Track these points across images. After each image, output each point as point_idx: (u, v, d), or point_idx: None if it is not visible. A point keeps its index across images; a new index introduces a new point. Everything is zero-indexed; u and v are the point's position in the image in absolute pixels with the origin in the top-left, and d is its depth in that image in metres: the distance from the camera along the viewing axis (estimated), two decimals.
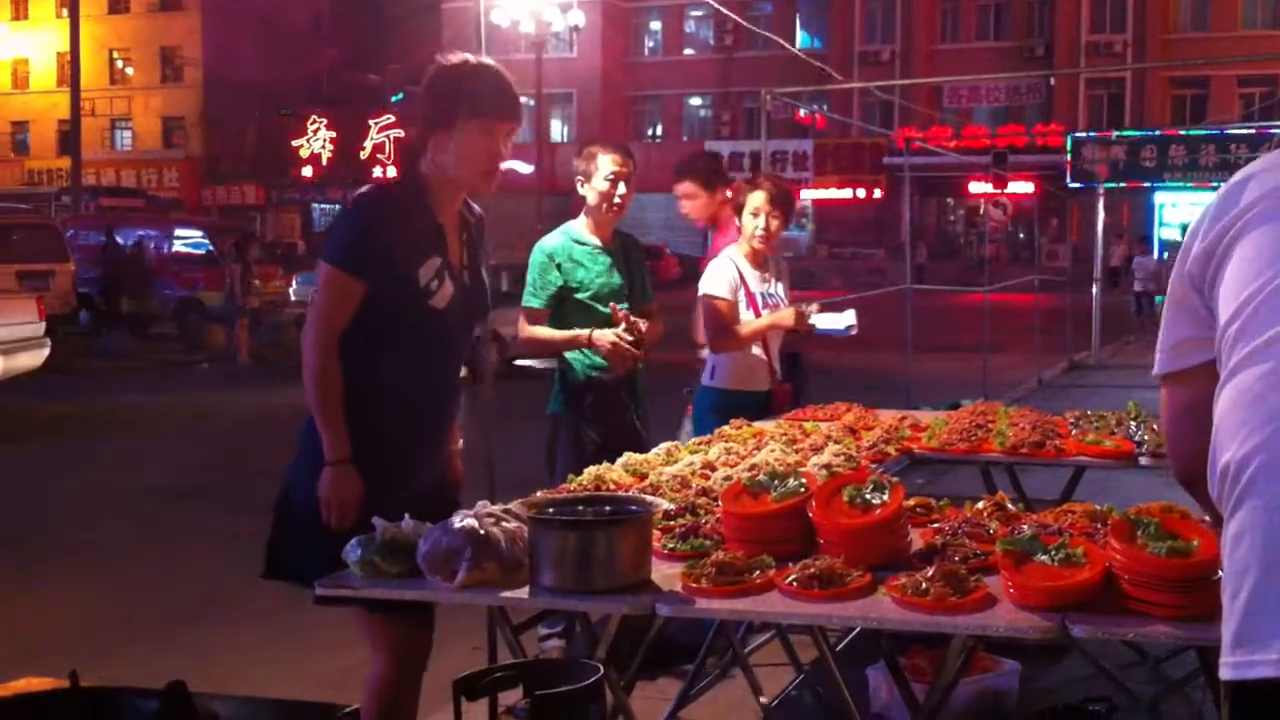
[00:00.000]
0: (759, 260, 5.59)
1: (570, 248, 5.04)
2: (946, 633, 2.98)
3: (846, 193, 46.01)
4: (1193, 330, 2.03)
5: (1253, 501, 1.80)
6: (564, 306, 5.03)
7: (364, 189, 3.49)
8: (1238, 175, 2.02)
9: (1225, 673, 1.80)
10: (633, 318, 4.89)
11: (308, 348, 3.29)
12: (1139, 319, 24.68)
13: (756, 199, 5.49)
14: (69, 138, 32.37)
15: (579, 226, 5.11)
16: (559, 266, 5.00)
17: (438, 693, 3.47)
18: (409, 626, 3.32)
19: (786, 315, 5.50)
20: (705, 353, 5.67)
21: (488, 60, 3.47)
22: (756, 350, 5.55)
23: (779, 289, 5.64)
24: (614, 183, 4.99)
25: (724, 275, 5.51)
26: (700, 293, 5.55)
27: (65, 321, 19.71)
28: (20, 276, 19.21)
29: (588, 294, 5.02)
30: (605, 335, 4.89)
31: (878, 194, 45.13)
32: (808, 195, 46.39)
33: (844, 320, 5.79)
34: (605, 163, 4.98)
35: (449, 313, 3.39)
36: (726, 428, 4.84)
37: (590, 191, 5.02)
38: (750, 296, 5.51)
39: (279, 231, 47.07)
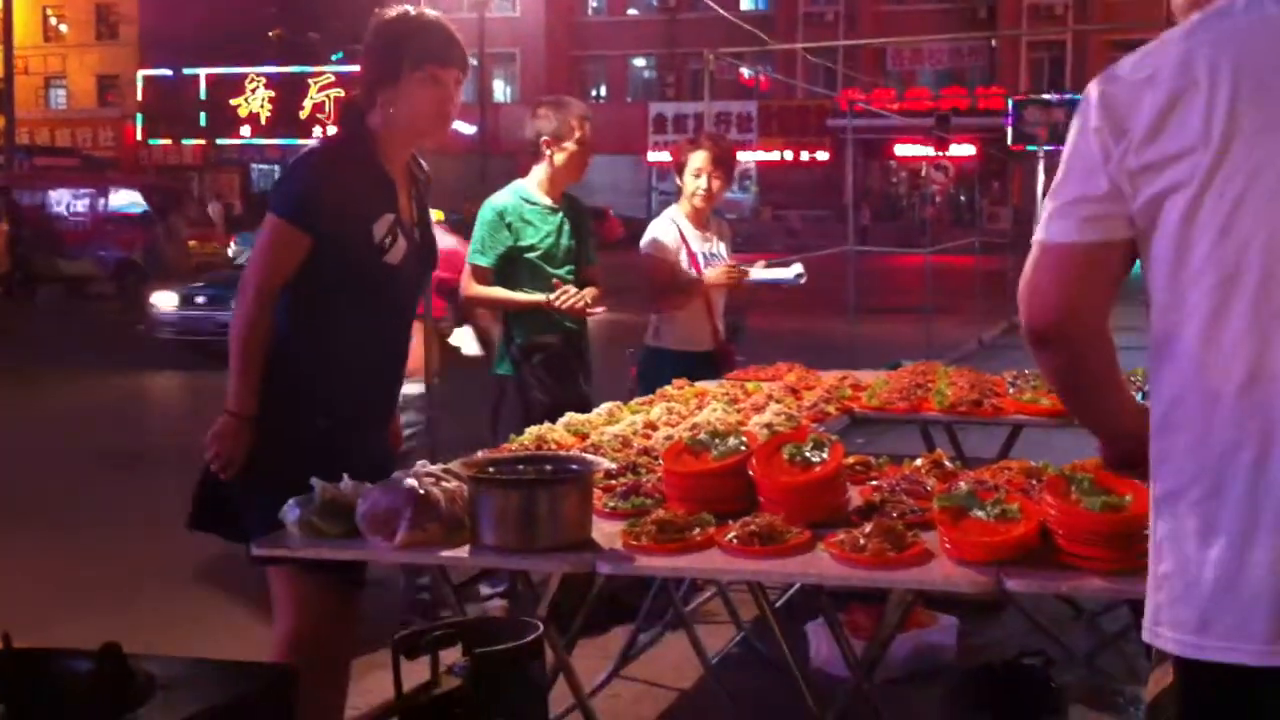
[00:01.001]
0: (700, 220, 5.59)
1: (521, 207, 5.02)
2: (884, 588, 3.01)
3: (791, 155, 46.08)
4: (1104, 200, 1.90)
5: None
6: (512, 266, 5.01)
7: (312, 144, 3.45)
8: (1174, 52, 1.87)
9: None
10: (572, 288, 4.90)
11: (243, 296, 3.25)
12: None
13: (698, 159, 5.49)
14: (2, 96, 31.72)
15: (530, 185, 5.09)
16: (509, 225, 4.97)
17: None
18: (335, 591, 3.30)
19: (720, 272, 5.50)
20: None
21: (430, 11, 3.45)
22: (699, 310, 5.56)
23: (721, 248, 5.65)
24: (582, 146, 5.04)
25: (665, 234, 5.51)
26: (641, 252, 5.55)
27: (0, 281, 19.39)
28: None
29: (537, 254, 5.00)
30: (545, 297, 4.95)
31: (822, 156, 45.22)
32: (752, 157, 46.44)
33: (792, 270, 5.81)
34: (582, 127, 5.04)
35: (402, 269, 3.38)
36: (669, 388, 4.86)
37: (560, 153, 5.01)
38: (692, 255, 5.52)
39: (218, 191, 46.42)
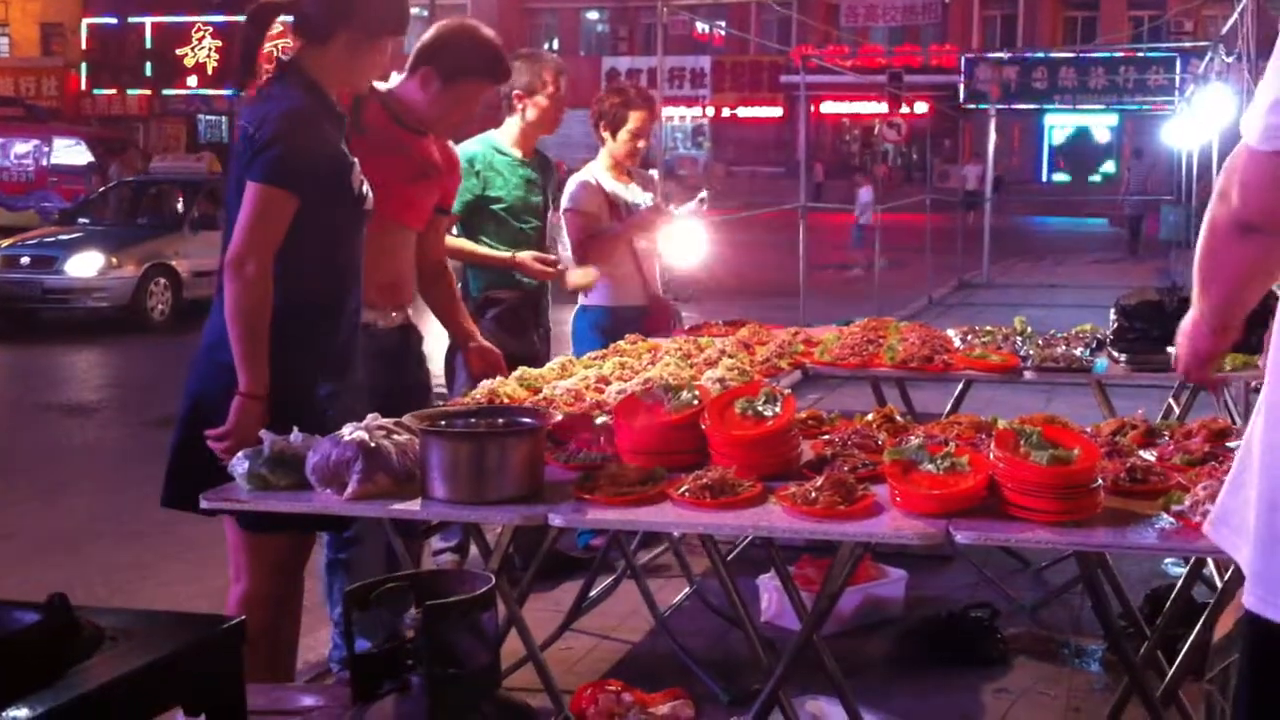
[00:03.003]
0: (621, 172, 5.54)
1: (491, 156, 4.97)
2: (834, 540, 3.03)
3: (745, 111, 45.98)
4: None
5: None
6: (476, 216, 4.96)
7: (271, 103, 3.26)
8: None
9: None
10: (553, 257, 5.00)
11: (240, 272, 3.11)
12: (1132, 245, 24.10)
13: (638, 119, 5.41)
14: None
15: (500, 136, 5.05)
16: (477, 174, 4.92)
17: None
18: (284, 546, 3.28)
19: (643, 218, 5.45)
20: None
21: None
22: (628, 265, 5.51)
23: (646, 198, 5.58)
24: (546, 104, 5.01)
25: (587, 191, 5.44)
26: (563, 208, 5.47)
27: None
28: None
29: (503, 206, 4.96)
30: (527, 256, 4.92)
31: (776, 112, 45.15)
32: (701, 112, 46.28)
33: (695, 199, 5.97)
34: (556, 81, 5.03)
35: (369, 214, 3.41)
36: (622, 342, 4.84)
37: (532, 107, 4.98)
38: (615, 209, 5.45)
39: (164, 142, 45.75)
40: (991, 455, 2.87)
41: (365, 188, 3.36)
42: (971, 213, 24.20)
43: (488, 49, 3.90)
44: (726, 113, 46.08)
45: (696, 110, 45.98)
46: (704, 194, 6.00)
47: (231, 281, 3.13)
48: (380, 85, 3.85)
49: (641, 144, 5.46)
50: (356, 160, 3.34)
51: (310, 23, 3.33)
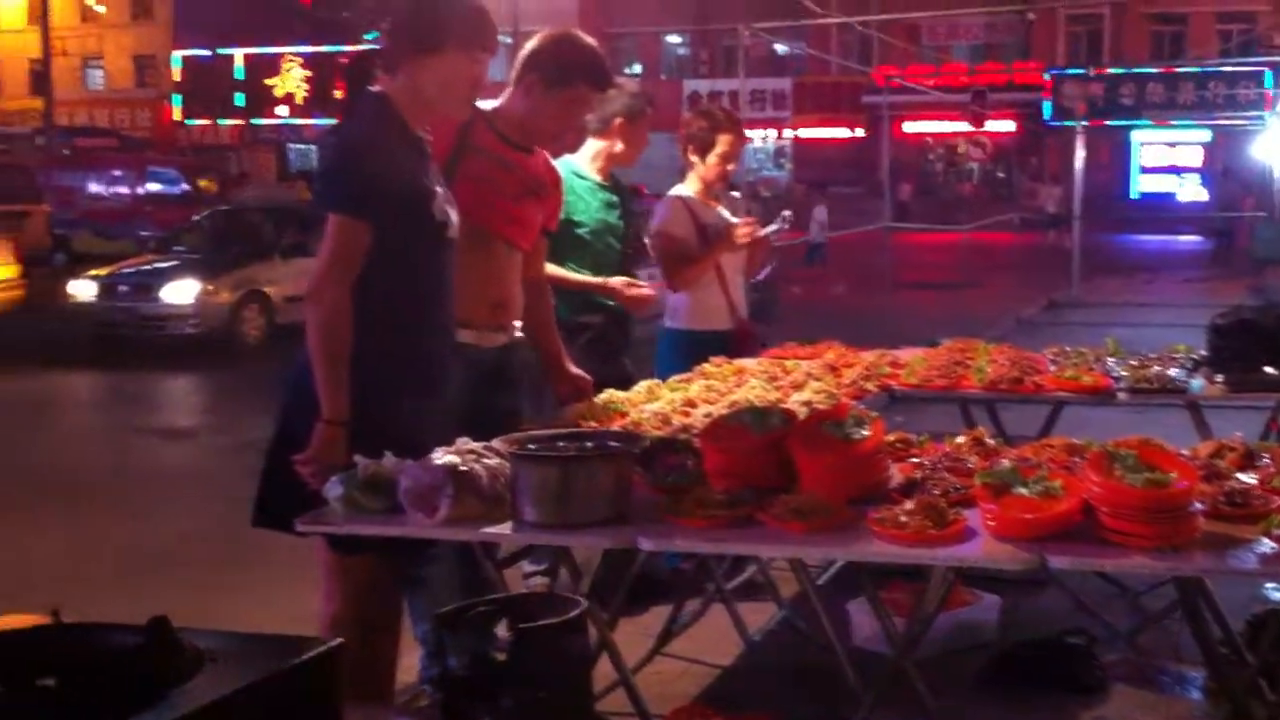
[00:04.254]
0: (709, 195, 5.55)
1: (571, 179, 4.98)
2: (926, 565, 3.00)
3: (826, 131, 45.82)
4: None
5: None
6: (559, 239, 4.99)
7: (348, 128, 3.36)
8: None
9: None
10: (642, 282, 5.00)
11: (320, 298, 3.18)
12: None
13: (726, 143, 5.43)
14: (40, 78, 31.94)
15: (581, 160, 5.07)
16: None
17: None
18: (374, 567, 3.32)
19: (727, 238, 5.43)
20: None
21: None
22: (714, 289, 5.52)
23: (734, 220, 5.59)
24: (629, 131, 5.04)
25: (674, 213, 5.45)
26: (652, 231, 5.49)
27: (39, 263, 19.54)
28: None
29: (585, 229, 4.98)
30: (618, 282, 4.96)
31: (858, 132, 44.95)
32: (787, 134, 46.20)
33: (778, 219, 5.90)
34: (645, 115, 5.05)
35: (454, 241, 3.43)
36: (707, 365, 4.84)
37: (619, 137, 5.02)
38: (703, 231, 5.44)
39: (254, 171, 46.62)
40: (1086, 479, 2.82)
41: (449, 215, 3.38)
42: (1053, 232, 23.92)
43: (590, 55, 3.93)
44: (807, 133, 45.95)
45: (778, 131, 45.92)
46: (786, 214, 5.99)
47: (311, 310, 3.20)
48: (485, 105, 3.87)
49: (730, 167, 5.48)
50: (439, 189, 3.37)
51: (388, 53, 3.37)
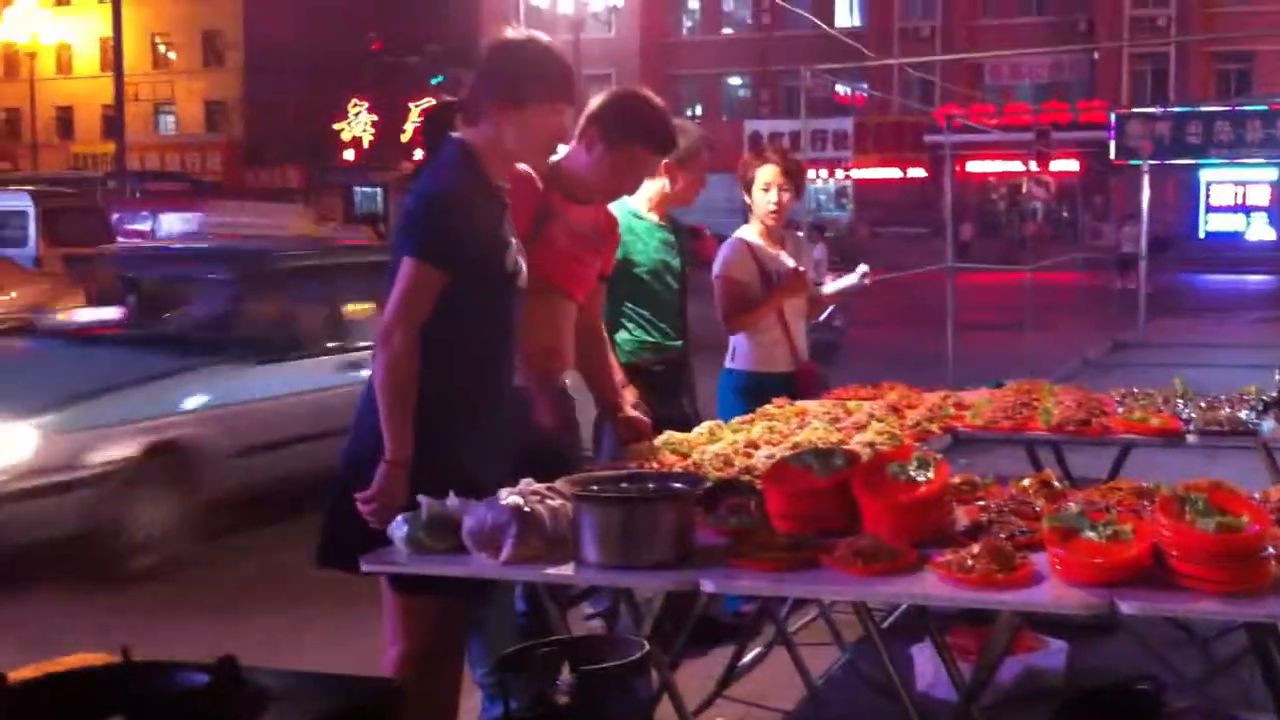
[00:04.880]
0: (774, 237, 5.54)
1: (629, 220, 4.99)
2: (993, 609, 2.97)
3: (888, 171, 45.74)
4: None
5: None
6: (617, 280, 5.00)
7: (430, 175, 3.37)
8: None
9: None
10: None
11: (389, 341, 3.20)
12: None
13: (767, 173, 5.41)
14: (113, 122, 32.62)
15: (637, 200, 5.09)
16: None
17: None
18: (438, 607, 3.33)
19: (789, 284, 5.43)
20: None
21: (547, 38, 3.48)
22: (776, 331, 5.51)
23: (800, 268, 5.57)
24: (684, 172, 5.04)
25: (737, 255, 5.46)
26: (714, 274, 5.49)
27: (109, 304, 19.85)
28: (68, 260, 19.40)
29: (644, 269, 4.99)
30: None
31: (920, 172, 44.83)
32: (845, 174, 46.10)
33: (857, 273, 5.84)
34: (704, 159, 5.07)
35: (522, 290, 3.46)
36: (769, 406, 4.83)
37: (680, 179, 5.04)
38: (765, 275, 5.45)
39: (321, 214, 47.28)
40: (1156, 523, 2.78)
41: (519, 264, 3.41)
42: (1129, 274, 23.61)
43: (656, 117, 3.91)
44: (869, 174, 45.89)
45: (839, 172, 45.88)
46: (864, 268, 5.88)
47: (379, 351, 3.22)
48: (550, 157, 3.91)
49: (775, 196, 5.41)
50: (513, 240, 3.40)
51: (471, 103, 3.40)
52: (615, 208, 5.05)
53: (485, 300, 3.35)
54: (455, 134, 3.40)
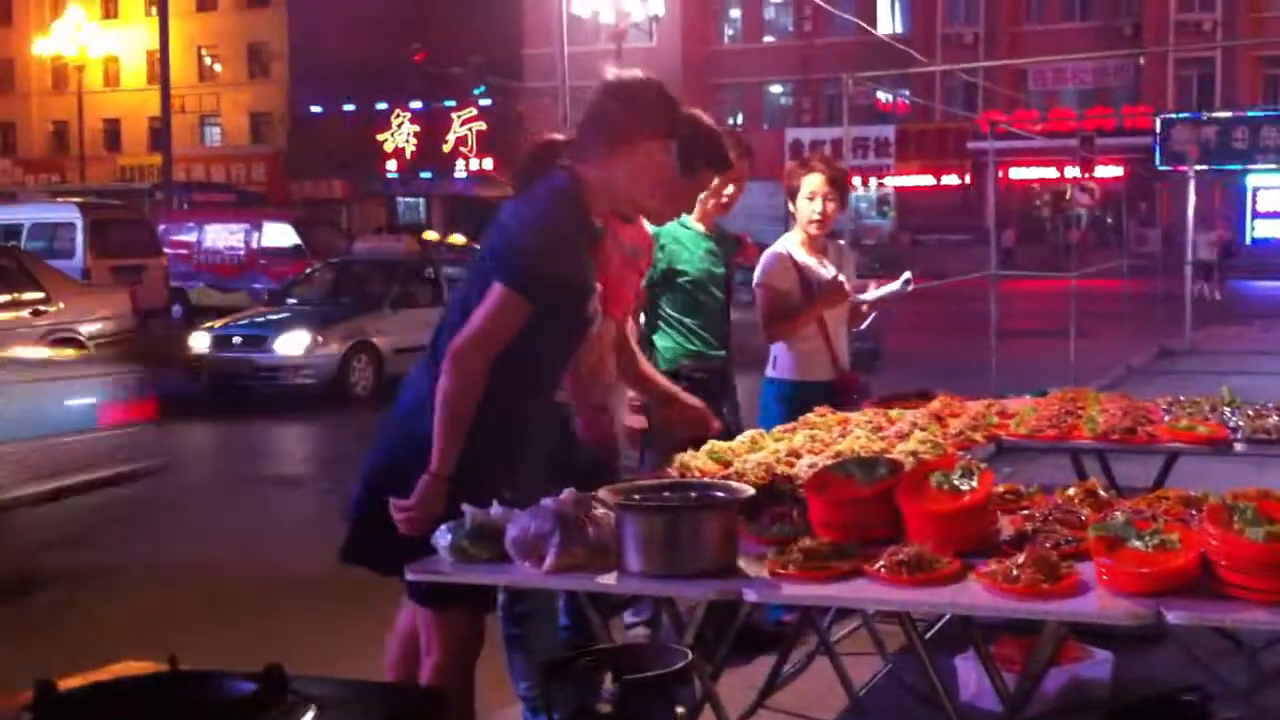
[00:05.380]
0: (816, 246, 5.53)
1: (675, 229, 4.99)
2: (1038, 620, 2.94)
3: (930, 179, 45.54)
4: None
5: None
6: (662, 289, 5.01)
7: (540, 209, 3.29)
8: None
9: None
10: None
11: (464, 362, 3.19)
12: None
13: (813, 182, 5.39)
14: (159, 134, 32.97)
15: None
16: (663, 247, 4.96)
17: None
18: (472, 618, 3.35)
19: (829, 293, 5.42)
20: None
21: (654, 77, 3.46)
22: (817, 339, 5.50)
23: (840, 278, 5.55)
24: (723, 180, 5.00)
25: (779, 265, 5.45)
26: (754, 282, 5.48)
27: (157, 315, 20.08)
28: (115, 271, 19.64)
29: (688, 279, 5.00)
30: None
31: (963, 179, 44.59)
32: (891, 182, 45.97)
33: (900, 280, 5.77)
34: (745, 167, 4.99)
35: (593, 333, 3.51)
36: (811, 415, 4.82)
37: (725, 188, 5.03)
38: (806, 284, 5.43)
39: (364, 224, 47.62)
40: (1204, 532, 2.76)
41: (598, 310, 3.42)
42: (1204, 284, 23.36)
43: (715, 138, 3.90)
44: (911, 181, 45.71)
45: (882, 179, 45.74)
46: (908, 274, 5.86)
47: (451, 369, 3.19)
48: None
49: (820, 205, 5.41)
50: (600, 286, 3.40)
51: (580, 141, 3.36)
52: None
53: (557, 337, 3.35)
54: (563, 165, 3.35)
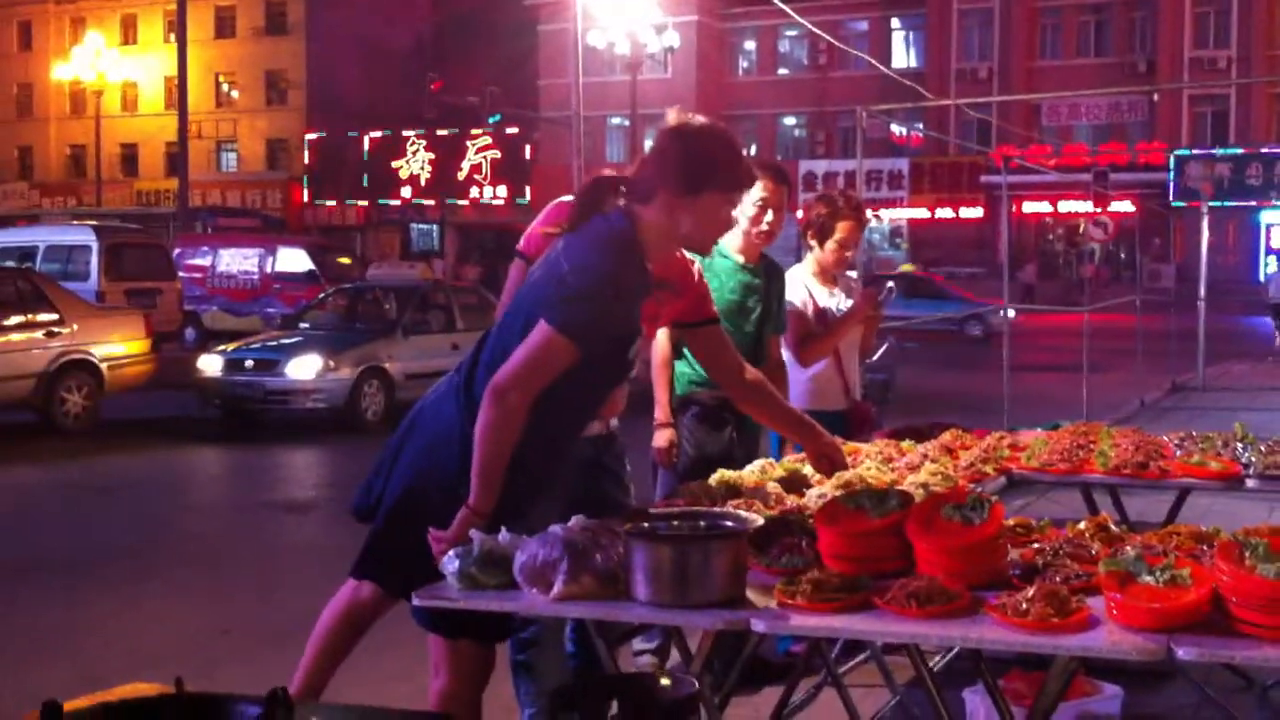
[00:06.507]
0: (827, 279, 5.59)
1: (712, 259, 4.98)
2: (1048, 654, 2.93)
3: (943, 212, 45.58)
4: None
5: None
6: None
7: (600, 251, 3.22)
8: None
9: None
10: None
11: (502, 399, 3.16)
12: None
13: (846, 230, 5.46)
14: (176, 159, 33.18)
15: (726, 240, 5.08)
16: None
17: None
18: (483, 646, 3.35)
19: (855, 308, 5.50)
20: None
21: (721, 126, 3.44)
22: (829, 368, 5.51)
23: (849, 305, 5.60)
24: (762, 209, 5.00)
25: (797, 291, 5.49)
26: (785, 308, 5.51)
27: (171, 338, 20.17)
28: (129, 294, 19.73)
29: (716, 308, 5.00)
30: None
31: (977, 212, 44.62)
32: (903, 214, 46.02)
33: (883, 290, 5.90)
34: (755, 188, 4.93)
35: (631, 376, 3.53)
36: None
37: (739, 213, 5.01)
38: (819, 312, 5.49)
39: (378, 250, 47.80)
40: (1215, 568, 2.74)
41: (638, 354, 3.43)
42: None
43: (731, 154, 3.87)
44: (925, 214, 45.74)
45: (895, 211, 45.79)
46: (891, 284, 5.98)
47: (491, 405, 3.16)
48: None
49: (849, 254, 5.51)
50: (643, 330, 3.39)
51: (645, 184, 3.31)
52: None
53: (595, 379, 3.35)
54: (621, 206, 3.30)
